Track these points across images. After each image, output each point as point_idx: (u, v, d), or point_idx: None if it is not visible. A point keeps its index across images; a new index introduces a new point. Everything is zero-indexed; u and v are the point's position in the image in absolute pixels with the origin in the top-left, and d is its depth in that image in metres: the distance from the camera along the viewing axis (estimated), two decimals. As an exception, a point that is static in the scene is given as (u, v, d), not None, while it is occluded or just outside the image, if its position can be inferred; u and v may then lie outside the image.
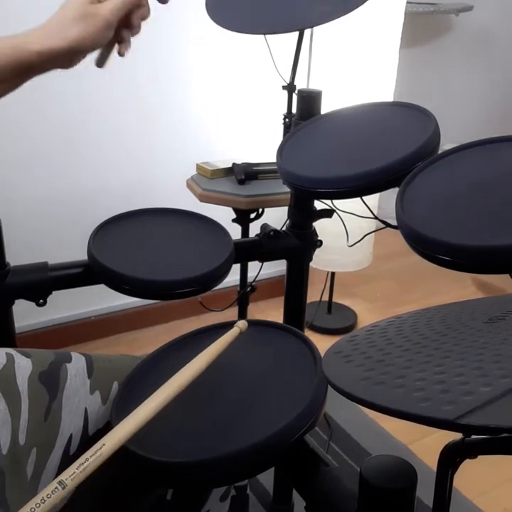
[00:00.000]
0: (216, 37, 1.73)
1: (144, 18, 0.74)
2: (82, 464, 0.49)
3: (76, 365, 0.70)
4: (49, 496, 0.46)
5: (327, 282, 2.04)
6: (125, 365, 0.75)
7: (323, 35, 1.82)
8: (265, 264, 1.14)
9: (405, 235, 0.61)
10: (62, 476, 0.48)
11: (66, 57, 0.68)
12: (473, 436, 0.50)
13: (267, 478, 1.37)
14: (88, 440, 0.69)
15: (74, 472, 0.48)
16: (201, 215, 1.05)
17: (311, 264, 1.15)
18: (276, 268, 2.11)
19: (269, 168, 1.41)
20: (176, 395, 0.58)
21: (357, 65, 1.81)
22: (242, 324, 0.72)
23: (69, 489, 0.47)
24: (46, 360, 0.68)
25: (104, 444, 0.51)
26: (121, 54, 0.75)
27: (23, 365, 0.66)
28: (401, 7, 1.82)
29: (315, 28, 1.79)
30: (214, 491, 0.75)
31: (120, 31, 0.72)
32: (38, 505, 0.45)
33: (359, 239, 1.09)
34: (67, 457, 0.67)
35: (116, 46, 0.74)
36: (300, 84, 1.12)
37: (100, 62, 0.75)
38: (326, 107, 1.02)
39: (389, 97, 1.89)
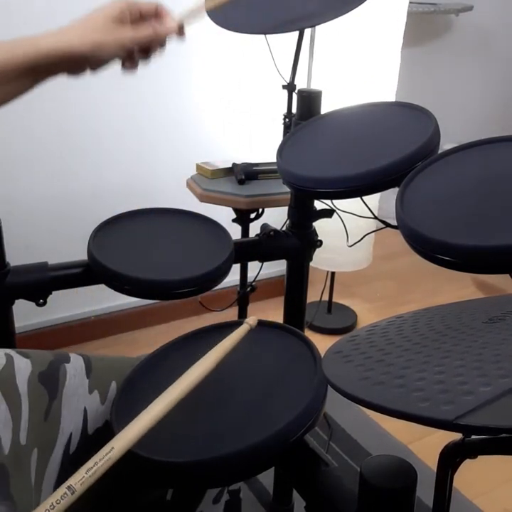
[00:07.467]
0: (216, 37, 1.73)
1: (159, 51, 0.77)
2: (91, 468, 0.49)
3: (75, 365, 0.71)
4: (58, 501, 0.45)
5: (327, 282, 2.04)
6: (123, 365, 0.75)
7: (324, 34, 1.81)
8: (265, 264, 1.14)
9: (405, 235, 0.61)
10: (71, 481, 0.47)
11: (79, 61, 0.69)
12: (473, 437, 0.50)
13: (267, 478, 1.37)
14: (87, 439, 0.69)
15: (83, 477, 0.48)
16: (201, 215, 1.05)
17: (311, 263, 1.15)
18: (276, 268, 2.11)
19: (269, 168, 1.40)
20: (183, 397, 0.58)
21: (358, 65, 1.81)
22: (251, 321, 0.70)
23: (78, 494, 0.47)
24: (45, 361, 0.69)
25: (112, 448, 0.51)
26: (125, 67, 0.75)
27: (23, 366, 0.66)
28: (404, 7, 1.81)
29: (315, 28, 1.79)
30: (207, 492, 0.75)
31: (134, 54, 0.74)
32: (47, 511, 0.45)
33: (359, 239, 1.09)
34: (67, 456, 0.67)
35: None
36: (300, 84, 1.12)
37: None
38: (326, 107, 1.03)
39: (391, 97, 1.88)
